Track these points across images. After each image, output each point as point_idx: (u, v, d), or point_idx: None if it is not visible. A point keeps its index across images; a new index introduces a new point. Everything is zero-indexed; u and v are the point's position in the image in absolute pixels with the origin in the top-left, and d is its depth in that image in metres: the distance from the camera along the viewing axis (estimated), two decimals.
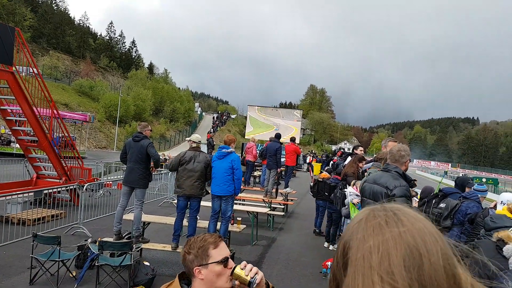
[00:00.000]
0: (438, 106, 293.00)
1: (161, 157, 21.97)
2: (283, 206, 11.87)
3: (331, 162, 15.08)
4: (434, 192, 5.85)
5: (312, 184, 10.10)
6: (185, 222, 6.58)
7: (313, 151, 39.39)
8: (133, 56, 77.76)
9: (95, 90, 48.17)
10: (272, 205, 10.84)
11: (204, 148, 29.06)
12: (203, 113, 77.85)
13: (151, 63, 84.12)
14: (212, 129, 54.36)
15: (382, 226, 0.59)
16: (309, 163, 27.88)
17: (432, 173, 56.82)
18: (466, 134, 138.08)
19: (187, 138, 7.24)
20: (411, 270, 0.54)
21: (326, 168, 11.76)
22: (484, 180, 55.82)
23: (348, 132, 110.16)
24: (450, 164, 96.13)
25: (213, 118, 70.75)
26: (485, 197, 5.51)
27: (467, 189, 5.43)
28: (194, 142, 6.51)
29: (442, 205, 5.25)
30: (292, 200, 12.77)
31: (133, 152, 6.48)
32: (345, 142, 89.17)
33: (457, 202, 5.19)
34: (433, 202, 5.52)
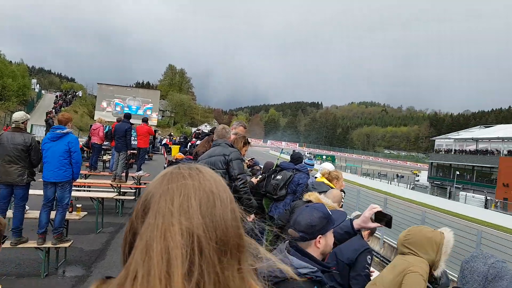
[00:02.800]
0: (290, 90, 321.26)
1: None
2: (134, 190, 11.38)
3: (189, 144, 15.11)
4: (273, 167, 6.40)
5: (166, 165, 9.94)
6: (10, 214, 5.69)
7: (171, 134, 38.80)
8: None
9: None
10: (121, 190, 10.27)
11: (41, 130, 25.65)
12: (43, 91, 68.19)
13: None
14: (54, 110, 48.22)
15: (184, 176, 0.65)
16: (165, 144, 27.42)
17: (285, 153, 62.59)
18: (312, 117, 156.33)
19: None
20: (205, 211, 0.61)
21: (182, 150, 11.71)
22: (324, 157, 64.48)
23: (209, 114, 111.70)
24: (297, 144, 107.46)
25: (56, 97, 62.72)
26: (312, 170, 6.29)
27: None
28: (14, 121, 5.60)
29: (278, 177, 5.83)
30: (145, 183, 12.34)
31: None
32: (206, 124, 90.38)
33: (291, 174, 5.83)
34: (272, 176, 6.07)
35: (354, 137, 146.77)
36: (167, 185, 0.63)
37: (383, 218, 2.18)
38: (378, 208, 2.16)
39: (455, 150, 52.11)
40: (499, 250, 7.99)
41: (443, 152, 54.14)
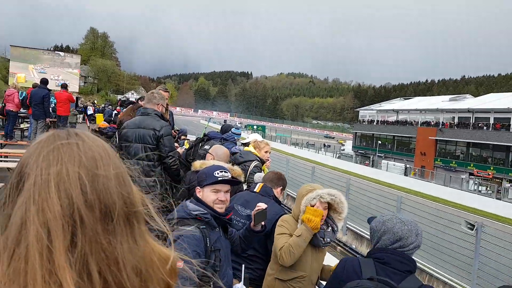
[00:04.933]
0: (220, 59, 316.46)
1: None
2: None
3: (114, 112, 14.45)
4: (201, 136, 6.45)
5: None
6: None
7: (94, 102, 36.48)
8: None
9: None
10: None
11: None
12: None
13: None
14: None
15: (63, 144, 0.60)
16: (91, 114, 25.87)
17: (214, 122, 62.29)
18: (242, 86, 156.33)
19: None
20: (85, 177, 0.58)
21: (105, 118, 11.23)
22: (255, 127, 65.47)
23: (136, 81, 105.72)
24: (229, 114, 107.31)
25: None
26: (239, 139, 6.51)
27: None
28: None
29: (206, 146, 5.87)
30: None
31: None
32: (132, 92, 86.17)
33: (219, 143, 5.92)
34: (200, 145, 6.12)
35: (284, 107, 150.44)
36: (43, 152, 0.59)
37: (262, 218, 2.46)
38: (262, 207, 2.44)
39: (377, 121, 54.95)
40: (417, 214, 8.63)
41: (367, 123, 56.98)
